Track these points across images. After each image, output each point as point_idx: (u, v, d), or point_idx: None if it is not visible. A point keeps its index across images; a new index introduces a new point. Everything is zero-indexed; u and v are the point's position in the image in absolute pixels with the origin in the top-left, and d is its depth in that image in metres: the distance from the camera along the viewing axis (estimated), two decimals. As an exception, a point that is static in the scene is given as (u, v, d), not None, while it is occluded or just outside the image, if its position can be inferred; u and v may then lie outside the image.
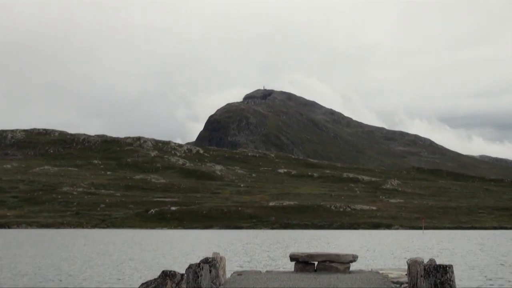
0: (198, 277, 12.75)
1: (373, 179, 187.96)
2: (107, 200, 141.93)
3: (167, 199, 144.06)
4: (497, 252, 49.68)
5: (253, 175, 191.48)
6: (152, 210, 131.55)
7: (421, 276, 12.44)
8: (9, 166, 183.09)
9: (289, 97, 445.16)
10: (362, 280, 15.88)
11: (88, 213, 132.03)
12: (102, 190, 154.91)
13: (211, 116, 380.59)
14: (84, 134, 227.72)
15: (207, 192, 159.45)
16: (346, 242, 65.63)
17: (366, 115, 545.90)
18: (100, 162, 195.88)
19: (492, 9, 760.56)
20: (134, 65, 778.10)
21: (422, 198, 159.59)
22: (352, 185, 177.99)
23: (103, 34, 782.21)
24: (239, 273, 17.88)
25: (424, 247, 57.34)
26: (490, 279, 28.18)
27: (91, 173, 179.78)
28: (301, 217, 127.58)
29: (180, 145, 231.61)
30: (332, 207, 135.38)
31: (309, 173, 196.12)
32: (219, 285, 14.99)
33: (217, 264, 15.02)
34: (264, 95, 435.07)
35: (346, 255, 18.33)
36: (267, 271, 19.44)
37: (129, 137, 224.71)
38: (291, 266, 20.02)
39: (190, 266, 12.82)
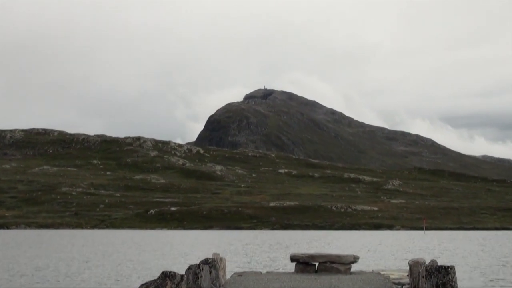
0: (198, 278, 12.77)
1: (374, 179, 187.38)
2: (106, 201, 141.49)
3: (167, 200, 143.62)
4: (499, 253, 49.52)
5: (254, 175, 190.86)
6: (152, 210, 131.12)
7: (423, 277, 12.43)
8: (8, 166, 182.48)
9: (290, 96, 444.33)
10: (363, 281, 15.81)
11: (87, 214, 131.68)
12: (102, 191, 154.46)
13: (211, 116, 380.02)
14: (84, 134, 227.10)
15: (207, 192, 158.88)
16: (347, 243, 65.43)
17: (367, 115, 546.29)
18: (99, 162, 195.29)
19: (492, 9, 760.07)
20: (134, 65, 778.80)
21: (423, 198, 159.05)
22: (353, 185, 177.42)
23: (103, 34, 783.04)
24: (239, 274, 17.82)
25: (426, 248, 57.19)
26: (492, 280, 28.08)
27: (91, 173, 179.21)
28: (302, 217, 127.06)
29: (180, 145, 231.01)
30: (333, 208, 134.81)
31: (310, 174, 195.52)
32: (219, 286, 14.94)
33: (217, 265, 14.97)
34: (265, 95, 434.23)
35: (347, 256, 18.24)
36: (267, 272, 19.32)
37: (128, 137, 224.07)
38: (291, 267, 19.92)
39: (190, 267, 12.83)
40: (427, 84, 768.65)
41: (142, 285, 11.60)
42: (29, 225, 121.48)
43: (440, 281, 11.69)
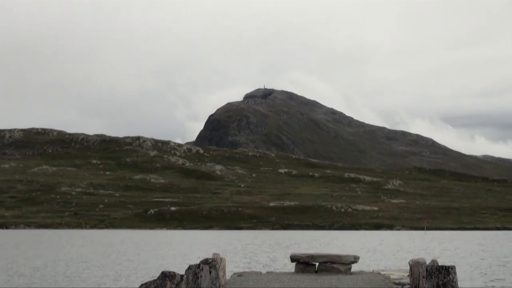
0: (198, 278, 12.71)
1: (374, 179, 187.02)
2: (106, 200, 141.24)
3: (166, 199, 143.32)
4: (499, 253, 49.49)
5: (254, 175, 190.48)
6: (151, 210, 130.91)
7: (423, 277, 12.41)
8: (7, 166, 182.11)
9: (290, 96, 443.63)
10: (364, 281, 15.75)
11: (86, 214, 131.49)
12: (101, 190, 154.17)
13: (211, 116, 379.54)
14: (83, 134, 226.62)
15: (207, 192, 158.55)
16: (347, 243, 65.36)
17: (367, 114, 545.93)
18: (99, 162, 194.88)
19: (492, 9, 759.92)
20: (134, 65, 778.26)
21: (424, 198, 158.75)
22: (354, 185, 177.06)
23: (103, 34, 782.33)
24: (239, 274, 17.71)
25: (426, 248, 57.14)
26: (492, 281, 28.02)
27: (90, 173, 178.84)
28: (302, 217, 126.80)
29: (179, 145, 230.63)
30: (333, 208, 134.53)
31: (310, 173, 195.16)
32: (219, 286, 14.88)
33: (217, 265, 14.86)
34: (265, 95, 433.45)
35: (348, 256, 18.10)
36: (267, 272, 19.17)
37: (128, 137, 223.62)
38: (291, 267, 19.79)
39: (189, 267, 12.78)
40: (427, 84, 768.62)
41: (142, 285, 11.57)
42: (28, 225, 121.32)
43: (441, 281, 11.68)
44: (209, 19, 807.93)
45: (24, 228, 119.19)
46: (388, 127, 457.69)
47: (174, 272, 11.59)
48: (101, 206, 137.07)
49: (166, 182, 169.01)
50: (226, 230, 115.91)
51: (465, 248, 55.82)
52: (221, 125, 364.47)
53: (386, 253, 47.82)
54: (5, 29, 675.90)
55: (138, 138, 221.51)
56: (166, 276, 11.46)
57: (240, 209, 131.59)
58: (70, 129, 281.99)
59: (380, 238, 79.62)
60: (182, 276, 11.77)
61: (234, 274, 17.82)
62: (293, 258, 18.28)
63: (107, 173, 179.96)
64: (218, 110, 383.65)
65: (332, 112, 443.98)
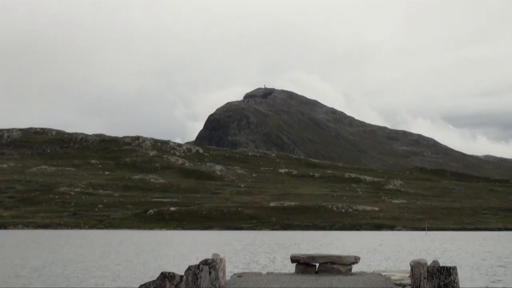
0: (198, 279, 12.75)
1: (375, 179, 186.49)
2: (105, 201, 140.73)
3: (166, 200, 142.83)
4: (501, 253, 49.58)
5: (254, 175, 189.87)
6: (151, 210, 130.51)
7: (425, 278, 12.41)
8: (5, 165, 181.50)
9: (290, 96, 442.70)
10: (364, 282, 15.78)
11: (85, 214, 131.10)
12: (100, 190, 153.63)
13: (211, 115, 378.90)
14: (82, 134, 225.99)
15: (207, 192, 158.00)
16: (348, 244, 65.44)
17: (368, 114, 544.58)
18: (98, 162, 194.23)
19: (492, 9, 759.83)
20: (133, 64, 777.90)
21: (425, 198, 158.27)
22: (354, 185, 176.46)
23: (103, 34, 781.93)
24: (239, 275, 17.75)
25: (427, 248, 57.20)
26: (493, 282, 28.08)
27: (89, 173, 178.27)
28: (302, 218, 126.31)
29: (179, 145, 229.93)
30: (334, 208, 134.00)
31: (310, 173, 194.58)
32: (219, 287, 14.90)
33: (217, 266, 14.89)
34: (265, 94, 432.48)
35: (348, 256, 18.10)
36: (267, 273, 19.13)
37: (127, 137, 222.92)
38: (292, 267, 19.75)
39: (189, 268, 12.84)
40: (428, 83, 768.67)
41: (141, 285, 11.67)
42: (26, 225, 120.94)
43: (442, 282, 11.69)
44: (209, 19, 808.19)
45: (23, 228, 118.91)
46: (389, 127, 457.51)
47: (173, 273, 11.79)
48: (100, 206, 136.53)
49: (165, 182, 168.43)
50: (226, 231, 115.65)
51: (467, 249, 55.84)
52: (221, 125, 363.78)
53: (387, 254, 47.84)
54: (5, 29, 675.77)
55: (137, 138, 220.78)
56: (166, 276, 11.65)
57: (240, 209, 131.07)
58: (69, 129, 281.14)
59: (381, 239, 79.56)
60: (181, 276, 11.97)
61: (234, 274, 17.84)
62: (293, 259, 18.30)
63: (106, 173, 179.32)
64: (218, 109, 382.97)
65: (333, 111, 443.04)
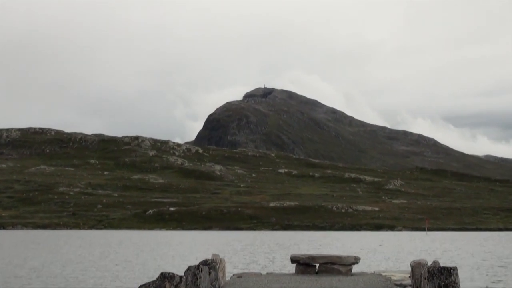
0: (197, 279, 12.81)
1: (375, 179, 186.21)
2: (104, 201, 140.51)
3: (165, 200, 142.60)
4: (501, 253, 49.68)
5: (253, 175, 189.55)
6: (150, 210, 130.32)
7: (425, 278, 12.43)
8: (4, 165, 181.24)
9: (290, 95, 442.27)
10: (365, 283, 15.81)
11: (85, 214, 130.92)
12: (99, 190, 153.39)
13: (210, 115, 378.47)
14: (81, 133, 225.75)
15: (207, 192, 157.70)
16: (348, 244, 65.51)
17: (368, 114, 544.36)
18: (97, 162, 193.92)
19: (492, 9, 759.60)
20: (133, 64, 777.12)
21: (425, 198, 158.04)
22: (354, 185, 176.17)
23: (103, 34, 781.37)
24: (239, 275, 17.77)
25: (428, 248, 57.29)
26: (494, 282, 28.14)
27: (88, 173, 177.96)
28: (302, 218, 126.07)
29: (179, 145, 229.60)
30: (334, 208, 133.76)
31: (310, 173, 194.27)
32: (218, 287, 14.91)
33: (217, 266, 14.92)
34: (265, 94, 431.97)
35: (348, 257, 18.13)
36: (267, 273, 19.15)
37: (126, 136, 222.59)
38: (292, 268, 19.77)
39: (189, 268, 12.89)
40: (428, 83, 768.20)
41: (141, 286, 11.74)
42: (25, 226, 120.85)
43: (443, 283, 11.71)
44: (209, 19, 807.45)
45: (22, 228, 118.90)
46: (389, 126, 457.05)
47: (173, 273, 11.93)
48: (100, 206, 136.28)
49: (165, 182, 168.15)
50: (226, 231, 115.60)
51: (467, 249, 55.89)
52: (220, 125, 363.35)
53: (387, 254, 47.88)
54: (5, 29, 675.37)
55: (136, 137, 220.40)
56: (165, 277, 11.76)
57: (239, 209, 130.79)
58: (69, 129, 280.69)
59: (381, 239, 79.58)
60: (181, 277, 12.09)
61: (233, 275, 17.88)
62: (293, 259, 18.32)
63: (106, 173, 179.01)
64: (217, 109, 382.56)
65: (333, 111, 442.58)
